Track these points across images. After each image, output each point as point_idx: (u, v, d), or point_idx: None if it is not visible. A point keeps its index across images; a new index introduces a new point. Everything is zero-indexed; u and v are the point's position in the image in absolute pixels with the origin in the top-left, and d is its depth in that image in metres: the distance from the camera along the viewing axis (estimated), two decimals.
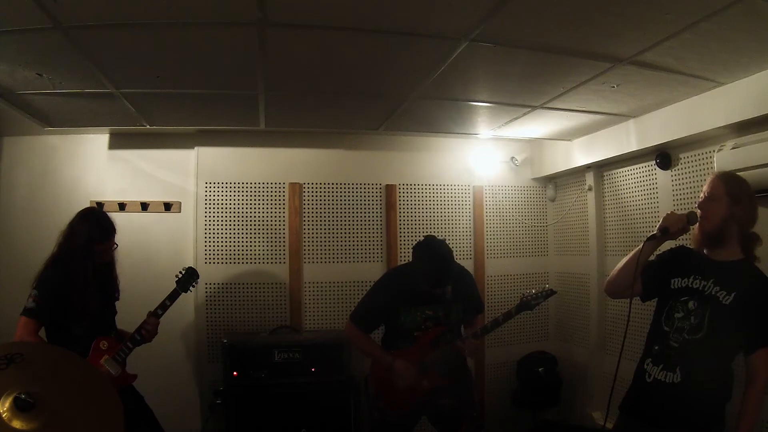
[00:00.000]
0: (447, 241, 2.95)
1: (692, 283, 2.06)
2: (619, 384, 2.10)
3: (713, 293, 1.99)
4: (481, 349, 2.94)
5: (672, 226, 2.09)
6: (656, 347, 2.10)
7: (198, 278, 2.94)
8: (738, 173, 2.25)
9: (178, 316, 3.74)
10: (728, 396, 2.01)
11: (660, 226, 2.11)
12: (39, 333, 2.46)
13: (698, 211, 2.09)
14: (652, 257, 2.21)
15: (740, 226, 2.04)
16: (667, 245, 2.23)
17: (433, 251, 2.87)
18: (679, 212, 2.14)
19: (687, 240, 2.25)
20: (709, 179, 2.12)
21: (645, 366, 2.12)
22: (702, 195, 2.10)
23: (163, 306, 2.76)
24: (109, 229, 2.65)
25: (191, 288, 2.91)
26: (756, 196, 2.11)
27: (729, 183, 2.06)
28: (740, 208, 2.02)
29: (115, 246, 2.70)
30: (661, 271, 2.18)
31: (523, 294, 2.87)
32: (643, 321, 2.26)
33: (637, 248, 2.15)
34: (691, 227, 2.12)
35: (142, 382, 2.80)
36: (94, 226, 2.59)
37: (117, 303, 2.83)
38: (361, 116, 3.50)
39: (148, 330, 2.67)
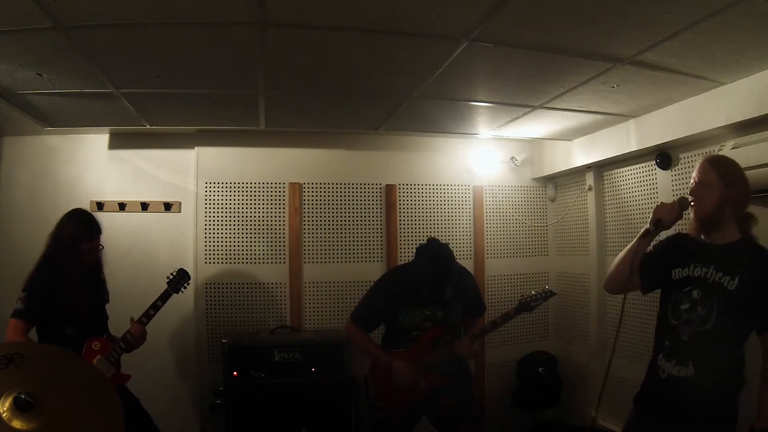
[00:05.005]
0: (447, 241, 2.95)
1: (693, 272, 2.03)
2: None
3: (717, 280, 1.95)
4: (477, 352, 2.91)
5: (665, 218, 2.07)
6: (666, 342, 2.07)
7: (189, 279, 2.95)
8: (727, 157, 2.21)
9: (178, 316, 3.75)
10: (741, 383, 1.97)
11: (652, 219, 2.09)
12: (29, 334, 2.47)
13: (690, 198, 2.06)
14: (649, 247, 2.18)
15: (735, 208, 2.00)
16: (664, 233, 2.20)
17: (435, 254, 2.87)
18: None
19: (683, 226, 2.21)
20: (698, 165, 2.08)
21: (658, 362, 2.09)
22: (693, 181, 2.07)
23: (155, 307, 2.76)
24: (95, 228, 2.67)
25: (182, 289, 2.92)
26: (754, 196, 2.10)
27: (720, 167, 2.03)
28: (734, 191, 1.99)
29: (101, 247, 2.72)
30: (661, 261, 2.15)
31: (523, 295, 2.86)
32: (642, 317, 2.25)
33: (632, 243, 2.12)
34: (685, 213, 2.08)
35: (142, 382, 2.80)
36: (79, 226, 2.63)
37: (111, 305, 2.82)
38: (361, 116, 3.50)
39: (133, 334, 2.65)
